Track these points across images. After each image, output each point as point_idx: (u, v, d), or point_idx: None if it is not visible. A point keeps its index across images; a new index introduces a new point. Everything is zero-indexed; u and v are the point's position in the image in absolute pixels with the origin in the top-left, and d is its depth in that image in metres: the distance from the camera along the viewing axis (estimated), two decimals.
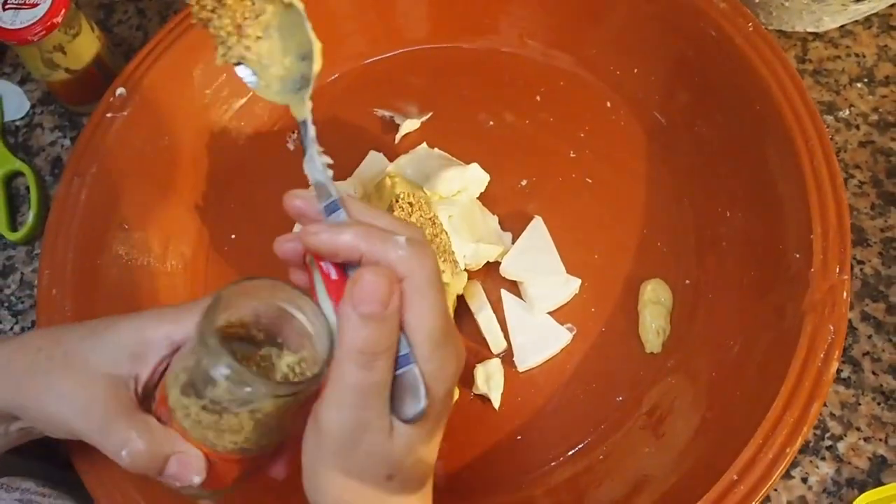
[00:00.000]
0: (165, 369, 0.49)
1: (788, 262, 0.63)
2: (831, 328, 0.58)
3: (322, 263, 0.45)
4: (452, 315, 0.70)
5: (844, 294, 0.59)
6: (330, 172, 0.46)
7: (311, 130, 0.47)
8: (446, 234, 0.68)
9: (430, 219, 0.66)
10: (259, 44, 0.50)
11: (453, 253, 0.68)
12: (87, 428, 0.48)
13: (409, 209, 0.65)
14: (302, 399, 0.45)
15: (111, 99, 0.75)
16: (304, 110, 0.48)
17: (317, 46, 0.48)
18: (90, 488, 0.60)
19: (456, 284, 0.68)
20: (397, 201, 0.65)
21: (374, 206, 0.46)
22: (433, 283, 0.42)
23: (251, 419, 0.45)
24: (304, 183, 0.76)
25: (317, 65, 0.48)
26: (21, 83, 0.90)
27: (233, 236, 0.79)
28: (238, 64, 0.50)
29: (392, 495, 0.45)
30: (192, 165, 0.80)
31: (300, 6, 0.49)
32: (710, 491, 0.55)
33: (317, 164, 0.46)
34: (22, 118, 0.88)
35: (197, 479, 0.46)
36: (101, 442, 0.48)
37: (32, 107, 0.89)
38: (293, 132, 0.83)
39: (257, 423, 0.45)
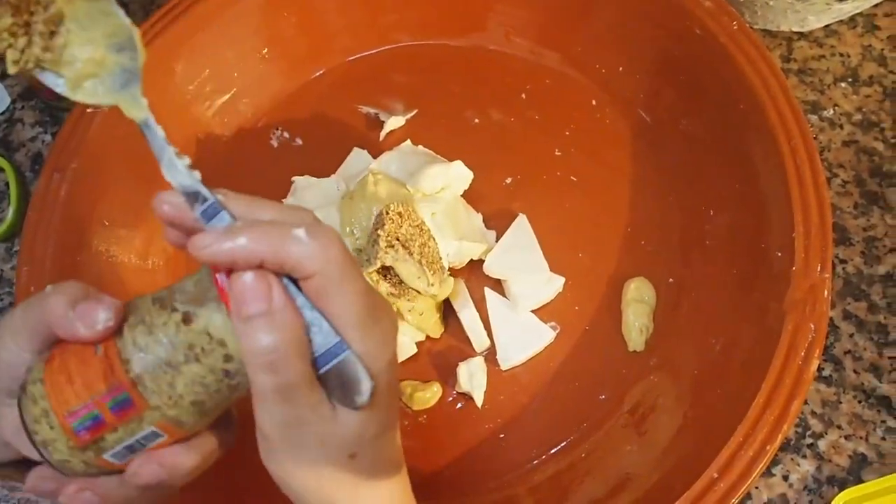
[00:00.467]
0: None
1: (771, 261, 0.63)
2: (812, 327, 0.58)
3: (217, 276, 0.40)
4: (440, 318, 0.71)
5: (826, 293, 0.59)
6: (197, 174, 0.41)
7: (159, 131, 0.42)
8: (434, 240, 0.68)
9: (417, 226, 0.66)
10: (56, 40, 0.43)
11: (440, 259, 0.68)
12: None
13: (399, 220, 0.65)
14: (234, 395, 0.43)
15: None
16: (139, 109, 0.42)
17: (134, 33, 0.42)
18: None
19: (443, 291, 0.68)
20: (387, 213, 0.64)
21: (255, 199, 0.42)
22: (345, 267, 0.39)
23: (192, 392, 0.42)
24: (287, 180, 0.76)
25: (140, 54, 0.43)
26: (2, 78, 0.89)
27: None
28: (40, 69, 0.43)
29: (364, 479, 0.44)
30: None
31: None
32: (690, 489, 0.55)
33: (178, 167, 0.41)
34: (2, 113, 0.87)
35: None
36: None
37: (13, 102, 0.88)
38: (277, 128, 0.83)
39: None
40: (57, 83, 0.43)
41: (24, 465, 0.55)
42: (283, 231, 0.39)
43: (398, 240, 0.64)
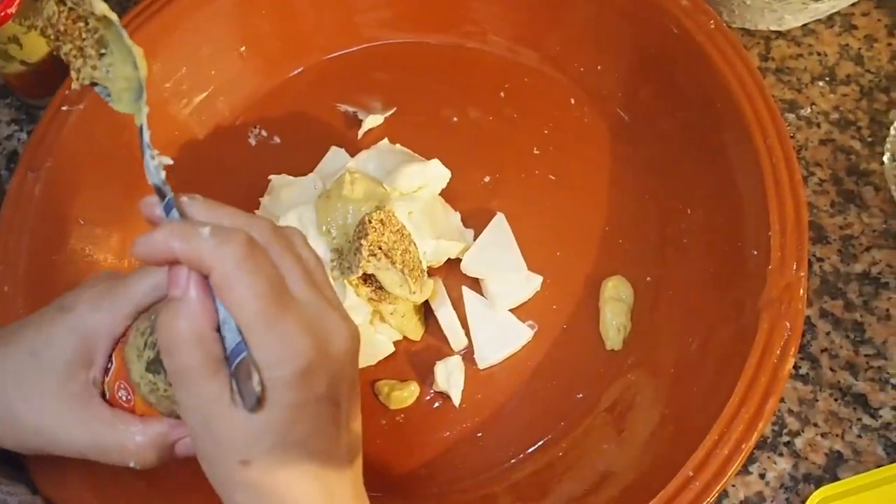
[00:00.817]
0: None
1: (747, 259, 0.63)
2: (788, 325, 0.58)
3: None
4: (420, 320, 0.71)
5: (801, 291, 0.59)
6: (163, 173, 0.46)
7: (146, 135, 0.47)
8: (414, 245, 0.67)
9: (398, 231, 0.66)
10: (102, 61, 0.51)
11: (421, 263, 0.68)
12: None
13: (381, 228, 0.65)
14: None
15: (67, 92, 0.73)
16: (141, 116, 0.48)
17: (137, 52, 0.49)
18: (39, 487, 0.60)
19: (423, 294, 0.68)
20: (370, 222, 0.64)
21: (218, 205, 0.46)
22: (242, 268, 0.41)
23: None
24: (263, 179, 0.76)
25: (142, 70, 0.49)
26: None
27: None
28: (94, 85, 0.51)
29: (263, 490, 0.43)
30: None
31: (113, 16, 0.49)
32: (665, 487, 0.55)
33: (150, 165, 0.46)
34: None
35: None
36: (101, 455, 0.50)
37: None
38: (255, 127, 0.82)
39: None
40: (106, 97, 0.51)
41: (17, 466, 0.56)
42: (191, 229, 0.42)
43: (380, 248, 0.64)
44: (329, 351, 0.44)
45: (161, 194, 0.45)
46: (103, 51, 0.51)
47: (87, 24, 0.51)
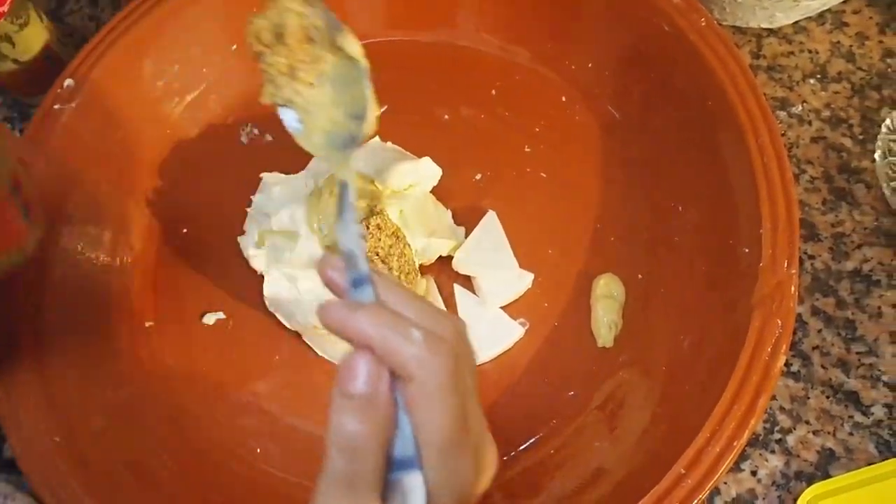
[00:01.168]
0: None
1: (738, 257, 0.63)
2: (779, 322, 0.58)
3: None
4: None
5: (792, 289, 0.59)
6: (364, 244, 0.44)
7: (352, 195, 0.45)
8: (409, 247, 0.67)
9: (393, 234, 0.66)
10: (310, 90, 0.49)
11: (415, 264, 0.68)
12: None
13: (378, 233, 0.65)
14: None
15: (59, 90, 0.73)
16: (346, 171, 0.46)
17: (373, 110, 0.47)
18: (33, 486, 0.60)
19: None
20: (367, 228, 0.64)
21: (403, 285, 0.44)
22: (446, 387, 0.39)
23: None
24: (255, 177, 0.75)
25: (370, 128, 0.47)
26: None
27: (184, 230, 0.78)
28: (283, 106, 0.49)
29: None
30: (143, 159, 0.78)
31: (364, 64, 0.48)
32: (657, 485, 0.55)
33: (351, 231, 0.43)
34: None
35: None
36: None
37: None
38: (247, 125, 0.82)
39: None
40: (292, 123, 0.49)
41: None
42: (401, 328, 0.39)
43: (378, 255, 0.64)
44: (482, 480, 0.42)
45: (352, 263, 0.42)
46: (312, 81, 0.49)
47: (313, 47, 0.49)
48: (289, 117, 0.49)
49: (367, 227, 0.64)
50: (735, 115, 0.66)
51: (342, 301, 0.41)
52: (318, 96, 0.49)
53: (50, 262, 0.70)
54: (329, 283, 0.43)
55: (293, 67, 0.49)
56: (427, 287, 0.71)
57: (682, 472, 0.55)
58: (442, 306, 0.70)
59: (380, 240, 0.64)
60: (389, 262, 0.65)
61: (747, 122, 0.66)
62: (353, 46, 0.48)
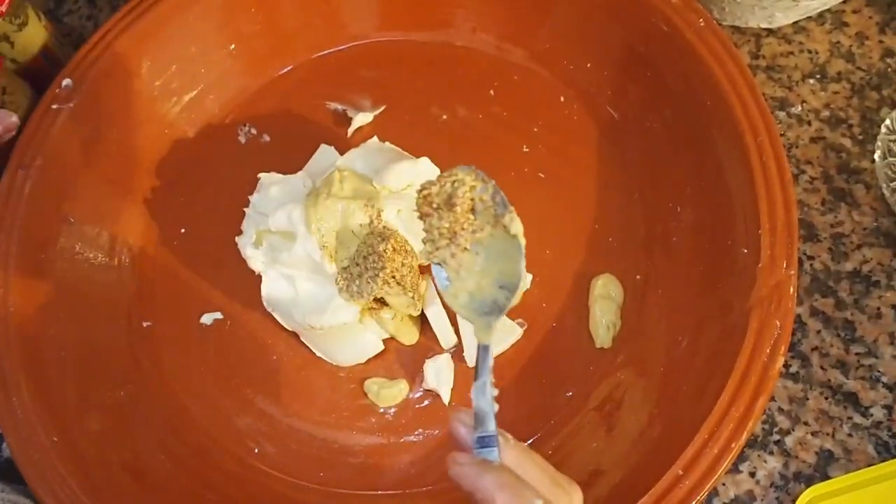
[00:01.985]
0: None
1: (736, 258, 0.63)
2: (777, 323, 0.58)
3: None
4: (413, 324, 0.71)
5: (791, 290, 0.59)
6: (496, 406, 0.47)
7: (490, 359, 0.48)
8: (415, 257, 0.68)
9: (403, 248, 0.66)
10: (464, 255, 0.53)
11: (418, 274, 0.68)
12: None
13: (394, 255, 0.66)
14: None
15: (57, 90, 0.73)
16: (488, 335, 0.50)
17: (523, 285, 0.51)
18: (31, 485, 0.60)
19: (418, 304, 0.69)
20: (385, 253, 0.65)
21: (528, 456, 0.47)
22: None
23: None
24: (253, 177, 0.75)
25: (516, 300, 0.51)
26: None
27: (182, 230, 0.78)
28: (435, 264, 0.53)
29: None
30: (141, 158, 0.79)
31: (522, 241, 0.51)
32: (655, 486, 0.55)
33: (487, 393, 0.47)
34: None
35: None
36: None
37: None
38: (245, 125, 0.82)
39: None
40: (442, 280, 0.53)
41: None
42: (526, 496, 0.43)
43: (394, 277, 0.65)
44: None
45: (483, 423, 0.46)
46: (468, 247, 0.53)
47: (476, 218, 0.52)
48: (439, 274, 0.53)
49: (385, 252, 0.65)
50: (733, 116, 0.66)
51: (472, 458, 0.45)
52: (471, 262, 0.53)
53: (48, 261, 0.70)
54: (457, 437, 0.47)
55: (454, 232, 0.53)
56: (427, 287, 0.71)
57: (680, 473, 0.55)
58: (440, 307, 0.70)
59: (395, 261, 0.65)
60: (404, 283, 0.66)
61: (746, 122, 0.65)
62: (517, 226, 0.52)
